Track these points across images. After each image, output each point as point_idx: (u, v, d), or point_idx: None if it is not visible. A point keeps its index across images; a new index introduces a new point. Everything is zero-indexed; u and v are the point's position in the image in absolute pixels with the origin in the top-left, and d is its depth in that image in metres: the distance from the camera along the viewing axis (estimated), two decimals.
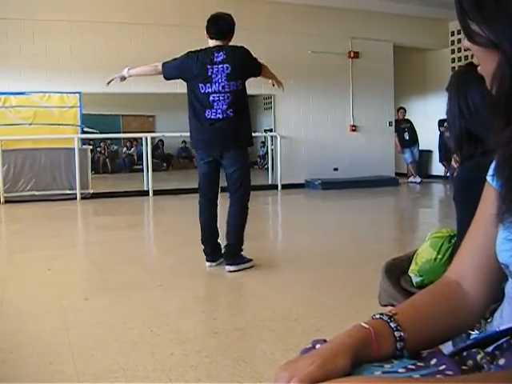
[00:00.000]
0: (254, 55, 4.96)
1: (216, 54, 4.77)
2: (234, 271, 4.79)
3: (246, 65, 4.88)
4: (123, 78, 5.30)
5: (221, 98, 4.73)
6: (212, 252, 5.05)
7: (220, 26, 4.87)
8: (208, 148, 4.85)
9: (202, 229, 5.06)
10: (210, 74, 4.73)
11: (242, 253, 4.95)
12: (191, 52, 4.96)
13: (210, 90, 4.74)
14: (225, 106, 4.74)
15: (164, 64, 5.05)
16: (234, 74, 4.74)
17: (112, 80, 5.36)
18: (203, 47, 4.92)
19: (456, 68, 13.72)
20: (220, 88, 4.72)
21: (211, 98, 4.74)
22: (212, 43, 4.89)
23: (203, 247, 5.05)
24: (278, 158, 12.35)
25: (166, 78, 5.10)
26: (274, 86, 5.33)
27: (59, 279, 4.59)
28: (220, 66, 4.73)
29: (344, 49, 13.02)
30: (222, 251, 4.97)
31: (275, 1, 11.71)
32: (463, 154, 1.85)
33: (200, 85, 4.76)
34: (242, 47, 4.90)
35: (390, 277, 2.05)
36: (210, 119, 4.76)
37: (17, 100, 10.41)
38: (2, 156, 10.05)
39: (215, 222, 5.06)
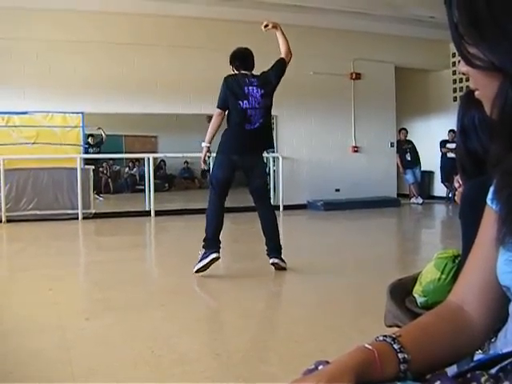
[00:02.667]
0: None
1: (251, 80, 5.61)
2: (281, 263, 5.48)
3: (273, 83, 5.73)
4: (208, 150, 5.64)
5: (257, 112, 5.51)
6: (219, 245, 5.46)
7: (249, 63, 5.80)
8: (242, 150, 5.48)
9: (218, 225, 5.46)
10: (246, 92, 5.49)
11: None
12: (229, 76, 5.70)
13: (247, 106, 5.47)
14: (260, 119, 5.53)
15: (219, 106, 5.59)
16: (266, 95, 5.59)
17: (205, 162, 5.81)
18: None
19: (457, 89, 13.78)
20: (256, 104, 5.50)
21: (248, 113, 5.48)
22: (239, 71, 5.71)
23: (211, 242, 5.35)
24: (280, 178, 12.33)
25: (225, 110, 5.57)
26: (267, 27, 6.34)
27: (60, 299, 4.58)
28: (255, 87, 5.55)
29: (346, 70, 13.07)
30: (270, 250, 5.55)
31: (277, 22, 11.75)
32: (466, 173, 1.86)
33: (239, 101, 5.46)
34: (265, 73, 5.80)
35: (395, 297, 2.04)
36: (249, 130, 5.51)
37: (20, 119, 10.44)
38: (5, 175, 10.05)
39: None
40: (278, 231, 5.68)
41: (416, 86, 15.21)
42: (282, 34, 6.19)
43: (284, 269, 5.48)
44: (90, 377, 2.82)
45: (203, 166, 5.90)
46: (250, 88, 5.51)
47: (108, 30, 10.86)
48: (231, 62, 5.79)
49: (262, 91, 5.55)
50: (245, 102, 5.46)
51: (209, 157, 5.80)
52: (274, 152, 12.94)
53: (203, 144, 5.62)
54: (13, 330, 3.70)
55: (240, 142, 5.47)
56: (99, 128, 14.10)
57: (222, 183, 5.51)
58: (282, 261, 5.51)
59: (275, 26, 6.13)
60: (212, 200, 5.52)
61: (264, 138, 5.70)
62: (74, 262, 6.60)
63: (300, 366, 0.92)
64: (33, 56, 10.48)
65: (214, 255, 5.27)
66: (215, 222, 5.44)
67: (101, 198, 14.97)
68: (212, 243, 5.35)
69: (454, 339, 0.98)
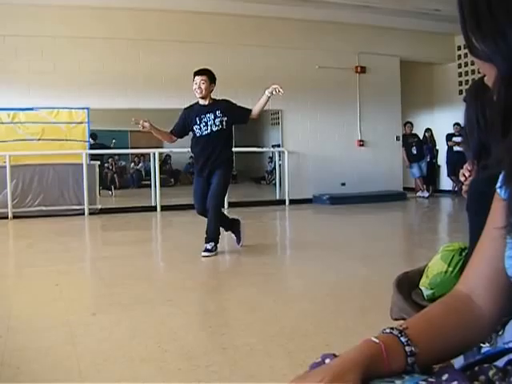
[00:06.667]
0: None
1: None
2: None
3: None
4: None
5: None
6: None
7: None
8: None
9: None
10: None
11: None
12: None
13: None
14: None
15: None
16: None
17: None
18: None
19: (463, 82, 13.74)
20: None
21: None
22: None
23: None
24: (286, 173, 12.33)
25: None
26: None
27: (67, 294, 4.59)
28: None
29: (351, 64, 13.04)
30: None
31: (282, 16, 11.76)
32: (480, 165, 1.84)
33: None
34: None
35: (401, 290, 2.03)
36: None
37: (25, 116, 10.46)
38: (11, 171, 10.07)
39: None
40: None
41: (421, 79, 15.17)
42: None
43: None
44: (96, 372, 2.82)
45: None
46: None
47: (113, 25, 10.86)
48: (215, 82, 6.24)
49: None
50: None
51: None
52: (279, 146, 12.96)
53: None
54: (20, 325, 3.70)
55: None
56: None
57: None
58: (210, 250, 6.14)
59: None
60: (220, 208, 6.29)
61: None
62: (81, 258, 6.61)
63: (307, 361, 0.92)
64: (38, 52, 10.49)
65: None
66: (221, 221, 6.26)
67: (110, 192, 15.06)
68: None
69: (461, 329, 0.97)
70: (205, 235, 6.14)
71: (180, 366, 2.89)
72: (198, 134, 6.16)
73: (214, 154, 6.12)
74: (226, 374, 2.80)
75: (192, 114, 6.23)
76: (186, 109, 6.40)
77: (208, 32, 11.33)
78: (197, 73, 6.19)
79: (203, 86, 6.09)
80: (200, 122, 6.12)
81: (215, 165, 6.13)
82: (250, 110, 6.21)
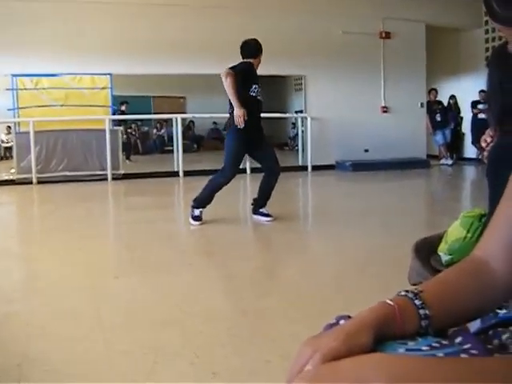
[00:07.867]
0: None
1: None
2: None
3: None
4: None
5: None
6: None
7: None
8: None
9: None
10: None
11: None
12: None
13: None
14: None
15: None
16: None
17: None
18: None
19: (490, 49, 13.50)
20: None
21: None
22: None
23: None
24: (309, 139, 12.28)
25: None
26: None
27: (90, 258, 4.65)
28: None
29: (375, 29, 12.87)
30: None
31: None
32: (502, 129, 1.83)
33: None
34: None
35: (420, 256, 2.04)
36: None
37: (49, 82, 10.50)
38: (35, 137, 10.16)
39: None
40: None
41: (447, 45, 14.93)
42: None
43: None
44: (119, 334, 2.87)
45: None
46: None
47: None
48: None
49: None
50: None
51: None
52: (302, 112, 12.89)
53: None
54: (45, 288, 3.77)
55: None
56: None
57: None
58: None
59: None
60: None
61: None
62: (104, 223, 6.68)
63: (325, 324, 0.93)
64: (61, 19, 10.47)
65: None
66: None
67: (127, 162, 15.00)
68: None
69: (477, 294, 0.97)
70: (251, 201, 6.25)
71: (201, 329, 2.93)
72: (253, 94, 5.78)
73: (260, 123, 6.00)
74: (246, 336, 2.83)
75: (254, 72, 5.87)
76: (245, 63, 5.87)
77: None
78: None
79: None
80: (258, 86, 5.84)
81: (262, 134, 6.03)
82: None
